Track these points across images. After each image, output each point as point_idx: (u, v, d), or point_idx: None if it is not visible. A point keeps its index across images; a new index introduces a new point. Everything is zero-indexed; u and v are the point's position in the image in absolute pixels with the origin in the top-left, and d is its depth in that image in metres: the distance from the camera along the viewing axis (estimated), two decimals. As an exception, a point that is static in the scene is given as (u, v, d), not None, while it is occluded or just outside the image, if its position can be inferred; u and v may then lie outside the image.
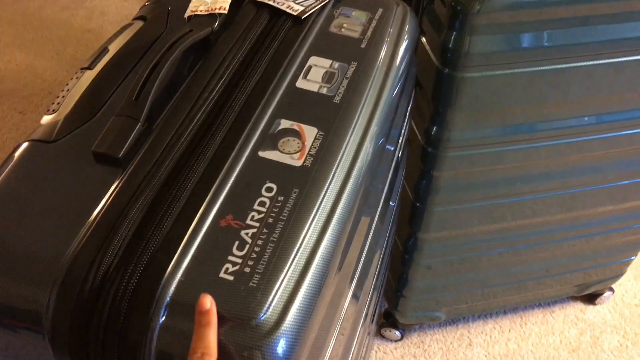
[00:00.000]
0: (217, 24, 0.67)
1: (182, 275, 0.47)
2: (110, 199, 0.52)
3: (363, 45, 0.67)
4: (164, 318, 0.46)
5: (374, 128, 0.62)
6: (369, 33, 0.69)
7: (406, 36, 0.72)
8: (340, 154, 0.57)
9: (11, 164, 0.55)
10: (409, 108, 0.89)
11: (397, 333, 1.35)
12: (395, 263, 1.21)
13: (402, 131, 0.86)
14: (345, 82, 0.63)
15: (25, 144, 0.57)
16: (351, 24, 0.70)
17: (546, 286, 1.33)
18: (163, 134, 0.57)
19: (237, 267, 0.48)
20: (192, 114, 0.58)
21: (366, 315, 1.05)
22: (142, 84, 0.57)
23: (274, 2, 0.70)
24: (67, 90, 0.61)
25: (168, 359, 0.46)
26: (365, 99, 0.62)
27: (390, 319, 1.35)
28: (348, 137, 0.58)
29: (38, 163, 0.55)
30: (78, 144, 0.56)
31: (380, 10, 0.72)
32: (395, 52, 0.69)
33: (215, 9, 0.67)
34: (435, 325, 1.37)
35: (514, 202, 1.10)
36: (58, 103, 0.60)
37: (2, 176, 0.54)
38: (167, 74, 0.59)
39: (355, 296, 0.80)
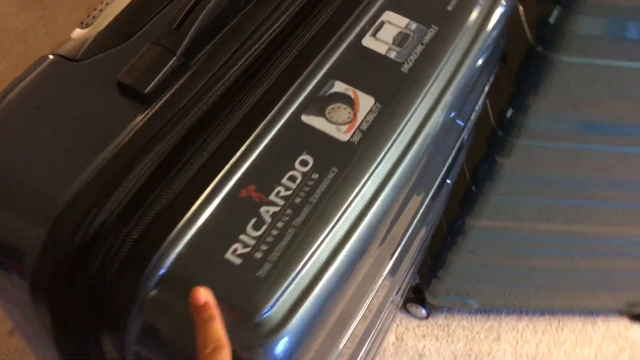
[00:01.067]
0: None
1: (184, 247, 0.41)
2: (126, 139, 0.45)
3: (450, 7, 0.57)
4: (155, 291, 0.40)
5: (447, 98, 0.53)
6: (458, -6, 0.58)
7: (503, 2, 0.61)
8: (395, 134, 0.48)
9: (30, 77, 0.49)
10: (488, 83, 0.78)
11: (423, 311, 1.29)
12: (436, 242, 1.13)
13: (476, 107, 0.76)
14: (419, 48, 0.53)
15: (49, 58, 0.50)
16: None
17: (594, 297, 1.23)
18: (199, 74, 0.49)
19: (247, 250, 0.41)
20: (236, 56, 0.50)
21: (397, 290, 0.98)
22: (187, 11, 0.50)
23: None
24: (106, 4, 0.54)
25: (154, 334, 0.41)
26: (438, 72, 0.53)
27: (419, 295, 1.28)
28: (409, 114, 0.50)
29: (56, 82, 0.49)
30: (104, 68, 0.49)
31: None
32: (487, 20, 0.59)
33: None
34: (465, 311, 1.30)
35: (578, 206, 1.00)
36: (93, 17, 0.53)
37: (17, 89, 0.48)
38: (218, 5, 0.51)
39: (392, 273, 0.74)
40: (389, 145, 0.48)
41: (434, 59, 0.53)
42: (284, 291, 0.40)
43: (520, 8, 0.80)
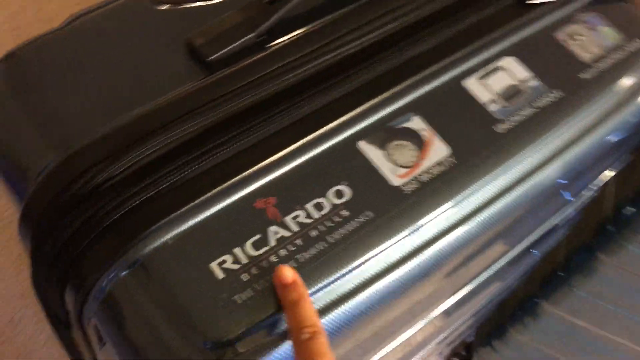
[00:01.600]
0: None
1: (173, 238, 0.37)
2: (166, 102, 0.42)
3: (586, 76, 0.48)
4: (127, 272, 0.36)
5: (545, 174, 0.44)
6: (604, 63, 0.49)
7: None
8: (458, 198, 0.41)
9: (110, 5, 0.47)
10: (614, 167, 0.67)
11: (467, 373, 1.18)
12: (505, 308, 1.02)
13: (591, 186, 0.66)
14: (528, 111, 0.45)
15: (136, -7, 0.48)
16: (589, 40, 0.50)
17: None
18: (272, 59, 0.44)
19: (236, 267, 0.36)
20: (318, 52, 0.45)
21: (445, 338, 0.90)
22: (287, -12, 0.45)
23: (508, -35, 0.51)
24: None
25: (111, 313, 0.37)
26: (540, 144, 0.44)
27: (468, 354, 1.18)
28: (485, 179, 0.42)
29: (131, 19, 0.46)
30: (182, 21, 0.46)
31: (638, 43, 0.51)
32: (630, 103, 0.49)
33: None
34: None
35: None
36: (197, -36, 0.50)
37: (95, 13, 0.46)
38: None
39: (445, 315, 0.66)
40: (444, 208, 0.40)
41: (539, 128, 0.44)
42: (253, 329, 0.35)
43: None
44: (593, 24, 0.51)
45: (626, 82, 0.48)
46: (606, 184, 0.71)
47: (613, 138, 0.49)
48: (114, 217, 0.37)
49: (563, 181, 0.46)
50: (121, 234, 0.37)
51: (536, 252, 0.79)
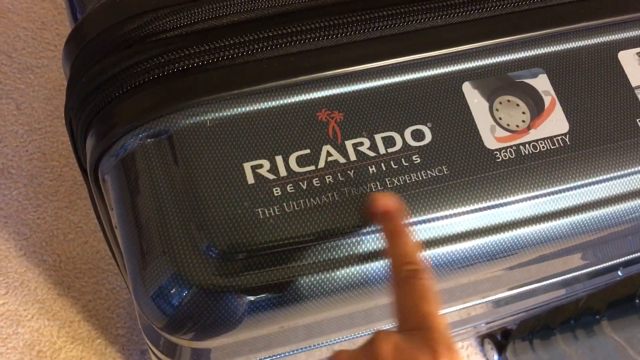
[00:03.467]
0: None
1: (213, 121, 0.31)
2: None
3: None
4: (152, 139, 0.32)
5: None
6: None
7: None
8: (560, 187, 0.33)
9: None
10: None
11: (496, 357, 1.12)
12: (560, 313, 0.94)
13: None
14: (685, 113, 0.35)
15: None
16: None
17: None
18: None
19: (271, 177, 0.31)
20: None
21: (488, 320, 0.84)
22: None
23: None
24: None
25: (126, 173, 0.32)
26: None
27: (503, 341, 1.11)
28: (598, 179, 0.34)
29: None
30: None
31: None
32: None
33: None
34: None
35: None
36: None
37: None
38: None
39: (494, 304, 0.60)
40: (535, 194, 0.33)
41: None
42: (264, 252, 0.30)
43: None
44: None
45: None
46: None
47: None
48: (158, 74, 0.32)
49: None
50: (159, 95, 0.31)
51: (620, 273, 0.70)
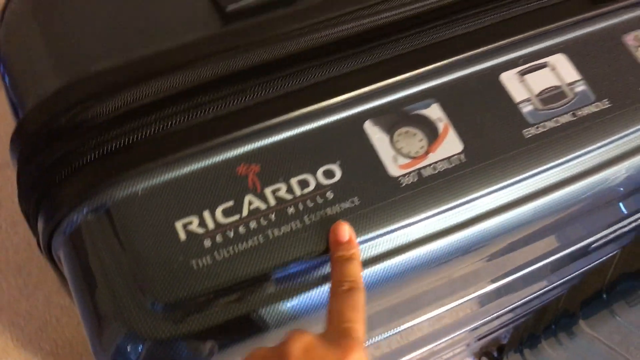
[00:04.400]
0: None
1: (143, 190, 0.36)
2: (178, 47, 0.40)
3: (646, 89, 0.42)
4: (92, 214, 0.36)
5: (573, 189, 0.40)
6: (673, 78, 0.42)
7: None
8: (457, 202, 0.37)
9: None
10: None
11: (493, 373, 1.14)
12: (542, 318, 0.97)
13: None
14: (565, 118, 0.40)
15: None
16: (663, 49, 0.43)
17: None
18: (290, 18, 0.41)
19: (200, 231, 0.35)
20: (346, 18, 0.41)
21: (475, 329, 0.87)
22: (323, -56, 0.41)
23: (586, -50, 0.45)
24: None
25: (73, 246, 0.37)
26: (569, 159, 0.39)
27: (498, 357, 1.13)
28: (494, 187, 0.38)
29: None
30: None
31: None
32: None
33: None
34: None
35: None
36: None
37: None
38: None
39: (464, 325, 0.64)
40: (439, 209, 0.37)
41: (571, 141, 0.39)
42: (202, 298, 0.33)
43: None
44: (673, 31, 0.44)
45: (696, 104, 0.42)
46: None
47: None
48: (91, 156, 0.36)
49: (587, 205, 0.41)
50: (95, 174, 0.36)
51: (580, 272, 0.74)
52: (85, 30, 0.41)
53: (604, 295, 0.79)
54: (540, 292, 0.79)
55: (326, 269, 0.35)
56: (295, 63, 0.39)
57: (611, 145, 0.40)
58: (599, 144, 0.40)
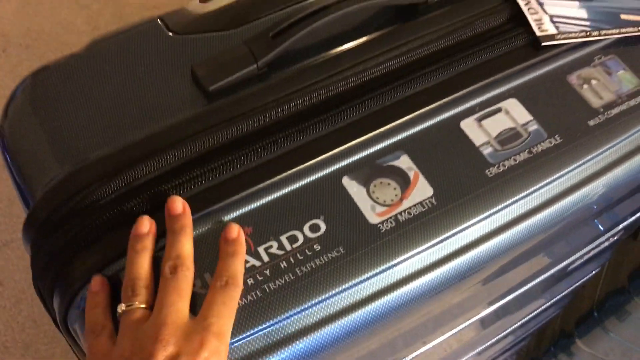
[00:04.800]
0: (440, -6, 0.51)
1: (149, 259, 0.39)
2: (167, 128, 0.44)
3: (592, 122, 0.46)
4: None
5: (537, 221, 0.44)
6: (616, 110, 0.47)
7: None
8: (434, 241, 0.41)
9: (128, 32, 0.50)
10: None
11: (502, 403, 1.15)
12: (541, 342, 1.00)
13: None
14: (523, 156, 0.44)
15: (155, 21, 0.51)
16: (604, 84, 0.48)
17: None
18: (269, 90, 0.46)
19: (203, 291, 0.38)
20: (318, 86, 0.46)
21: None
22: (290, 23, 0.46)
23: (525, 4, 0.50)
24: (237, -16, 0.53)
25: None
26: (530, 192, 0.43)
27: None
28: (463, 225, 0.42)
29: (146, 46, 0.49)
30: (193, 51, 0.48)
31: (661, 88, 0.48)
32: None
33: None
34: None
35: None
36: (217, -6, 0.52)
37: (114, 39, 0.50)
38: (323, 27, 0.46)
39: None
40: (418, 249, 0.41)
41: (531, 175, 0.43)
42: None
43: None
44: (611, 67, 0.49)
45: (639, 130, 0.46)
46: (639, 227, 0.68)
47: (622, 188, 0.47)
48: (98, 234, 0.40)
49: (555, 231, 0.45)
50: (103, 249, 0.39)
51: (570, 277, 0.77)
52: (80, 121, 0.45)
53: (595, 314, 0.82)
54: (530, 316, 0.82)
55: (321, 316, 0.39)
56: (275, 131, 0.44)
57: (567, 176, 0.44)
58: (555, 176, 0.44)
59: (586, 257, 0.67)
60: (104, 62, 0.48)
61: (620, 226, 0.62)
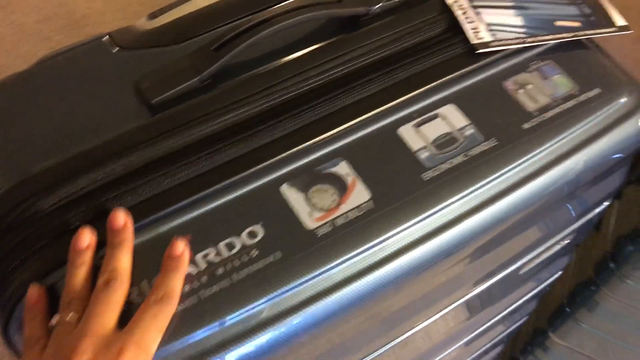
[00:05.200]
0: (379, 6, 0.52)
1: (86, 269, 0.40)
2: (110, 142, 0.45)
3: (527, 125, 0.47)
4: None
5: (471, 223, 0.45)
6: (551, 113, 0.48)
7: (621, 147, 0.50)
8: (370, 244, 0.42)
9: (77, 49, 0.51)
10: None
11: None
12: (517, 344, 1.01)
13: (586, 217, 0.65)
14: (458, 159, 0.45)
15: (105, 36, 0.52)
16: (539, 89, 0.49)
17: None
18: (210, 101, 0.47)
19: (140, 299, 0.39)
20: (258, 97, 0.47)
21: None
22: (231, 37, 0.48)
23: (463, 13, 0.52)
24: (183, 1, 0.54)
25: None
26: (466, 194, 0.44)
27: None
28: (399, 228, 0.43)
29: (93, 61, 0.50)
30: (136, 65, 0.49)
31: (596, 91, 0.50)
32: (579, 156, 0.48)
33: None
34: None
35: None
36: (162, 11, 0.53)
37: (62, 55, 0.51)
38: (263, 40, 0.48)
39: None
40: (354, 253, 0.41)
41: (466, 177, 0.44)
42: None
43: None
44: (547, 72, 0.50)
45: (574, 131, 0.48)
46: (601, 220, 0.70)
47: (560, 189, 0.48)
48: (37, 245, 0.40)
49: (491, 231, 0.46)
50: (42, 260, 0.40)
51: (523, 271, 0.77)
52: (25, 135, 0.46)
53: (567, 308, 0.83)
54: (487, 325, 0.82)
55: (257, 321, 0.39)
56: (216, 141, 0.45)
57: (502, 178, 0.45)
58: (490, 178, 0.45)
59: (543, 257, 0.68)
60: (50, 77, 0.49)
61: (572, 227, 0.63)
